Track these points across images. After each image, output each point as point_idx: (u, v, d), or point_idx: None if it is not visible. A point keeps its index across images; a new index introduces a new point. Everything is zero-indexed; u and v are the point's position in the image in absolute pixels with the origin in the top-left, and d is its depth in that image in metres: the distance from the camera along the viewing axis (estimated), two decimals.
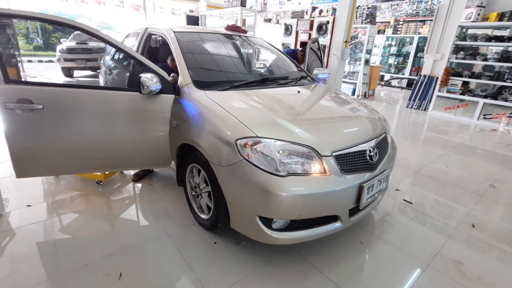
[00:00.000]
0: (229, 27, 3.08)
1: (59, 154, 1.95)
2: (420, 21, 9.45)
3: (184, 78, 2.08)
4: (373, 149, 1.81)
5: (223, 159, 1.63)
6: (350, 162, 1.68)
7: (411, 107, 6.95)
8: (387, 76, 10.76)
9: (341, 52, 4.09)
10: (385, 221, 2.29)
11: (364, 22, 7.49)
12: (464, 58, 5.74)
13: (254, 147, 1.55)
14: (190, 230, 2.04)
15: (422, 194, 2.77)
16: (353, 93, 8.05)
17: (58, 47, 8.66)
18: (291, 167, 1.54)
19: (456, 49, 5.85)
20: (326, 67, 4.31)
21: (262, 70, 2.96)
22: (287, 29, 6.67)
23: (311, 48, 3.97)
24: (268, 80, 2.37)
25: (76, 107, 1.87)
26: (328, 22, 5.24)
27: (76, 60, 8.66)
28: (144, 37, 2.83)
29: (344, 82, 8.29)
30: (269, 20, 11.89)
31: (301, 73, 2.85)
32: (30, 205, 2.24)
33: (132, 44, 2.99)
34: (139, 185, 2.66)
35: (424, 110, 6.70)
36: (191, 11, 6.47)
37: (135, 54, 2.00)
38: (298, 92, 2.25)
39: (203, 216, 2.01)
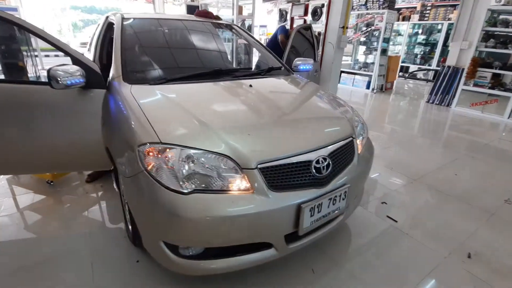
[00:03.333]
0: (198, 13, 2.77)
1: None
2: (451, 5, 8.41)
3: (115, 70, 1.82)
4: (324, 159, 1.43)
5: (127, 168, 1.36)
6: (284, 176, 1.33)
7: (432, 102, 6.21)
8: (412, 68, 9.82)
9: (337, 39, 3.59)
10: (354, 244, 1.90)
11: (381, 7, 6.76)
12: (494, 47, 4.93)
13: (157, 155, 1.25)
14: (119, 243, 1.80)
15: (415, 210, 2.31)
16: (368, 86, 7.39)
17: None
18: (200, 183, 1.22)
19: (486, 36, 5.04)
20: (321, 57, 3.84)
21: (226, 61, 2.60)
22: (282, 15, 6.20)
23: (303, 35, 3.54)
24: (222, 72, 2.04)
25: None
26: (323, 5, 4.70)
27: None
28: (105, 27, 2.61)
29: (357, 74, 7.65)
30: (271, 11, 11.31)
31: (275, 63, 2.48)
32: None
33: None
34: (96, 186, 2.48)
35: (447, 105, 5.94)
36: (192, 0, 6.20)
37: (59, 43, 1.76)
38: (250, 86, 1.90)
39: (129, 227, 1.77)
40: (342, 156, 1.56)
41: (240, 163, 1.26)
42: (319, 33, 4.00)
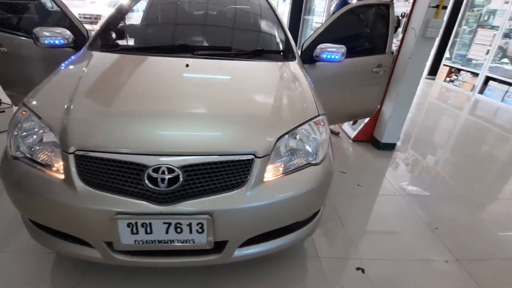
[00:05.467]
0: None
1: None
2: None
3: (92, 36, 1.94)
4: (171, 170, 1.06)
5: None
6: (104, 173, 1.08)
7: None
8: None
9: (423, 24, 2.40)
10: None
11: None
12: None
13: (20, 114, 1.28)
14: None
15: None
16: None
17: None
18: (26, 152, 1.17)
19: None
20: (399, 48, 2.71)
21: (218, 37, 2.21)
22: None
23: (383, 16, 2.59)
24: (187, 48, 1.82)
25: (24, 53, 2.19)
26: None
27: None
28: None
29: (500, 81, 5.22)
30: None
31: (273, 46, 2.03)
32: None
33: None
34: None
35: None
36: None
37: (61, 4, 2.04)
38: (187, 65, 1.60)
39: None
40: (214, 175, 1.11)
41: (61, 144, 1.11)
42: (403, 15, 2.85)
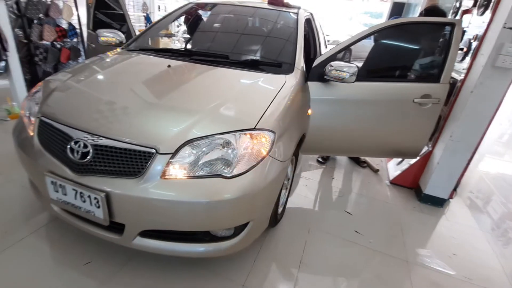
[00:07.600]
0: (270, 1, 2.61)
1: None
2: None
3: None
4: (84, 145, 1.24)
5: None
6: (51, 138, 1.35)
7: None
8: None
9: (493, 49, 1.72)
10: None
11: None
12: None
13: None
14: None
15: None
16: None
17: None
18: (31, 114, 1.57)
19: None
20: (463, 79, 2.00)
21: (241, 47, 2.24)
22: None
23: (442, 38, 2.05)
24: (192, 53, 2.01)
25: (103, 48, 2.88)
26: None
27: None
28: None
29: None
30: None
31: (267, 58, 2.02)
32: None
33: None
34: None
35: None
36: None
37: (125, 11, 2.58)
38: (168, 66, 1.75)
39: None
40: (117, 159, 1.22)
41: (38, 109, 1.46)
42: (475, 37, 2.09)
